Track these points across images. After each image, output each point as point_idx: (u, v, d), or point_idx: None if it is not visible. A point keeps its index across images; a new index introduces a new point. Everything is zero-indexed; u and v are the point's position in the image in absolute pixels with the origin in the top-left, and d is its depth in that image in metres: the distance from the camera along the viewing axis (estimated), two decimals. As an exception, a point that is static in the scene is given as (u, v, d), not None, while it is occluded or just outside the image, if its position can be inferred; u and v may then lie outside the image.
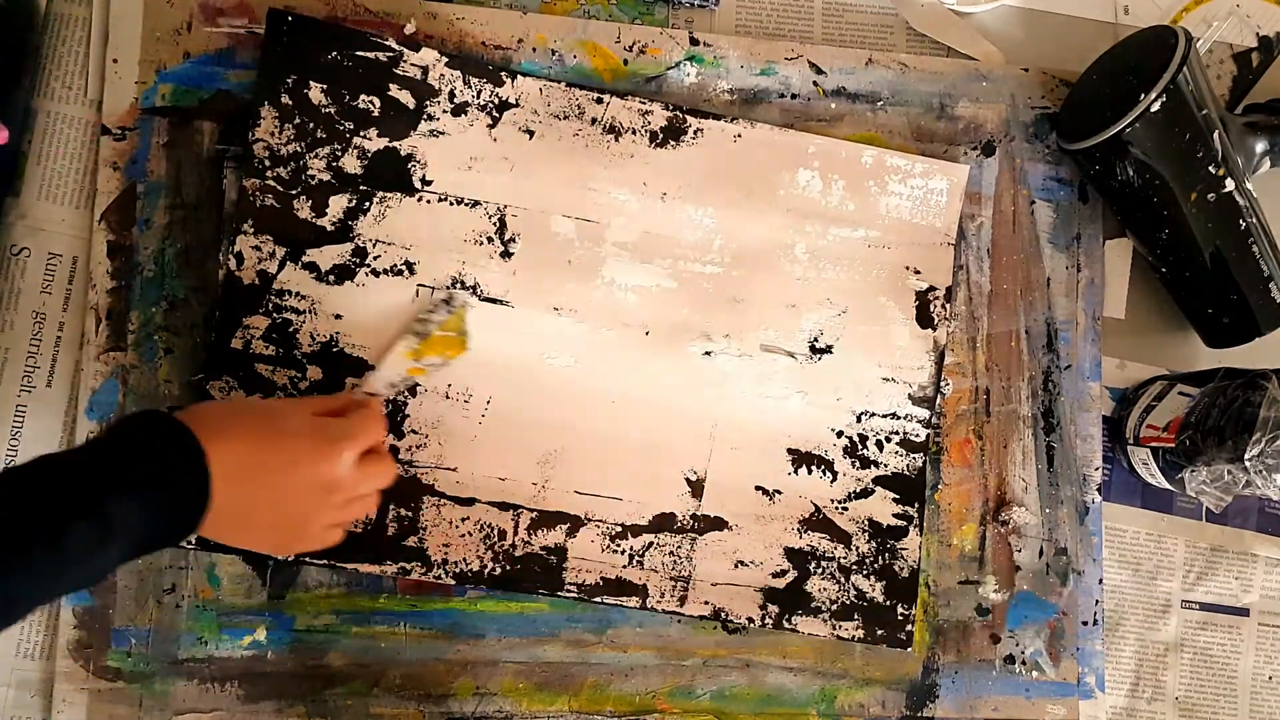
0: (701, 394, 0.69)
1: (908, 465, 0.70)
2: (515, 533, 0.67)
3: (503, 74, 0.69)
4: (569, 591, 0.67)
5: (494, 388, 0.67)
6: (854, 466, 0.70)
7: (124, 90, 0.67)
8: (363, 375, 0.65)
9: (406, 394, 0.66)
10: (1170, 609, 0.74)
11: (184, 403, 0.66)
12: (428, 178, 0.68)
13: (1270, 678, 0.74)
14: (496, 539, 0.67)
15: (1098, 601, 0.71)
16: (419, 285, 0.67)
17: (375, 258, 0.67)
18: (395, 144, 0.68)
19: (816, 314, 0.70)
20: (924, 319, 0.71)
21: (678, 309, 0.69)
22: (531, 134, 0.69)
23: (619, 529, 0.68)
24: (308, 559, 0.65)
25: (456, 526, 0.66)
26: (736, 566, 0.68)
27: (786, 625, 0.68)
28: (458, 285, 0.67)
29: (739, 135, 0.70)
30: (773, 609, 0.68)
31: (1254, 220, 0.70)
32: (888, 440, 0.70)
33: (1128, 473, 0.73)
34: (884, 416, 0.71)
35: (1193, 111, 0.66)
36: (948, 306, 0.72)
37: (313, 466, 0.54)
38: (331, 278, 0.66)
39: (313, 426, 0.56)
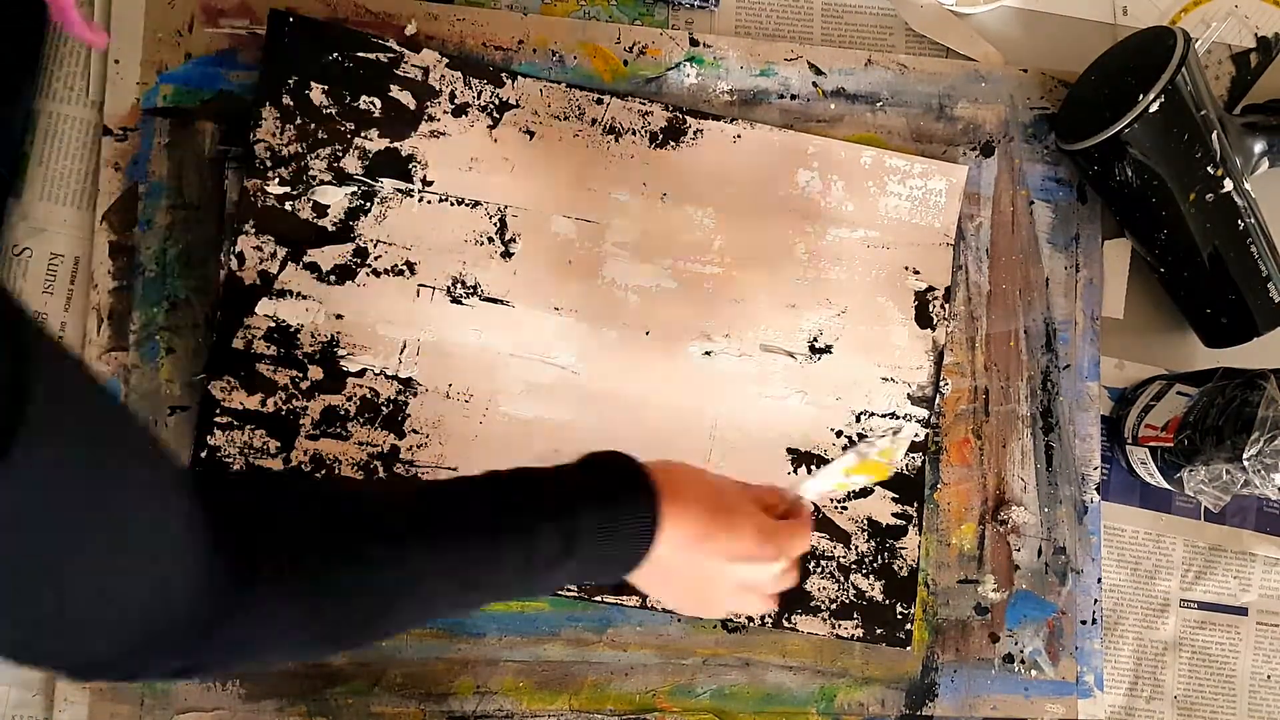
0: (701, 394, 0.69)
1: (907, 465, 0.71)
2: (516, 532, 0.67)
3: (503, 75, 0.69)
4: (569, 590, 0.67)
5: (494, 387, 0.68)
6: (853, 466, 0.70)
7: (125, 91, 0.67)
8: (799, 476, 0.68)
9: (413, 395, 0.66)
10: (1169, 608, 0.74)
11: (187, 402, 0.66)
12: (428, 178, 0.68)
13: (1268, 677, 0.74)
14: (497, 538, 0.67)
15: (1096, 601, 0.72)
16: (420, 285, 0.67)
17: (376, 258, 0.67)
18: (396, 144, 0.68)
19: (816, 314, 0.71)
20: (923, 319, 0.72)
21: (678, 309, 0.70)
22: (532, 135, 0.69)
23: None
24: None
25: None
26: (736, 566, 0.69)
27: (786, 624, 0.69)
28: (458, 285, 0.68)
29: (739, 136, 0.71)
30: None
31: (1252, 220, 0.70)
32: (887, 440, 0.71)
33: (1126, 472, 0.73)
34: (883, 416, 0.71)
35: (1191, 112, 0.66)
36: (947, 306, 0.72)
37: (750, 566, 0.55)
38: (332, 278, 0.67)
39: (759, 527, 0.55)
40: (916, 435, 0.70)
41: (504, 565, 0.49)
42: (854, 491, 0.70)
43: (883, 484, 0.70)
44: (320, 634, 0.47)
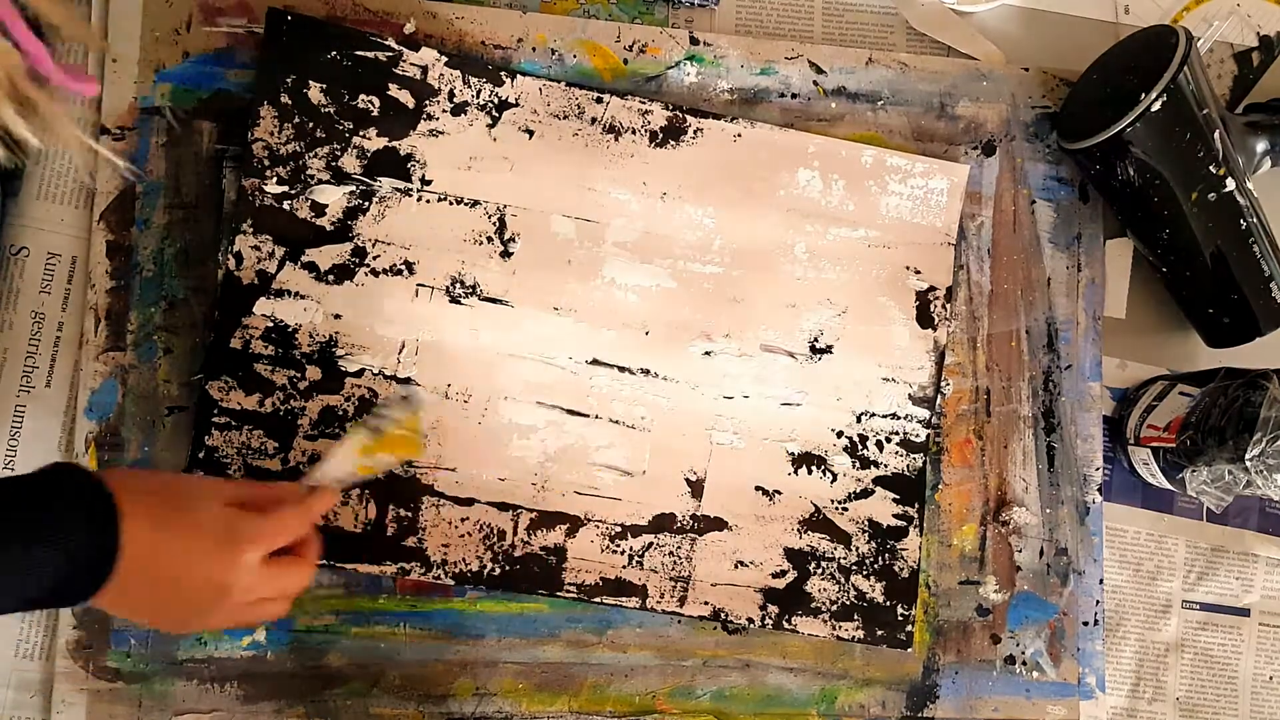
0: (701, 394, 0.69)
1: (908, 465, 0.70)
2: (515, 533, 0.67)
3: (502, 73, 0.69)
4: (568, 592, 0.67)
5: (493, 388, 0.67)
6: (854, 467, 0.70)
7: (123, 90, 0.67)
8: (311, 465, 0.61)
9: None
10: (1171, 609, 0.74)
11: (184, 402, 0.66)
12: (427, 177, 0.68)
13: (1271, 678, 0.74)
14: (496, 539, 0.67)
15: (1098, 602, 0.71)
16: (419, 285, 0.67)
17: (375, 257, 0.67)
18: (395, 143, 0.67)
19: (816, 314, 0.70)
20: (924, 319, 0.71)
21: (678, 309, 0.69)
22: (531, 134, 0.69)
23: (618, 529, 0.68)
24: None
25: (456, 527, 0.66)
26: (736, 567, 0.68)
27: (786, 626, 0.68)
28: (457, 285, 0.67)
29: (739, 135, 0.70)
30: (772, 609, 0.68)
31: (1255, 220, 0.69)
32: (888, 440, 0.70)
33: (1128, 473, 0.73)
34: (884, 417, 0.70)
35: (1193, 111, 0.66)
36: (948, 306, 0.72)
37: (207, 565, 0.51)
38: (331, 277, 0.66)
39: (220, 522, 0.52)
40: (421, 402, 0.62)
41: None
42: (853, 493, 0.69)
43: (884, 485, 0.70)
44: None
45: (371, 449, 0.55)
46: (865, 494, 0.70)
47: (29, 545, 0.46)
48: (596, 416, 0.68)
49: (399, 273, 0.67)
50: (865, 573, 0.69)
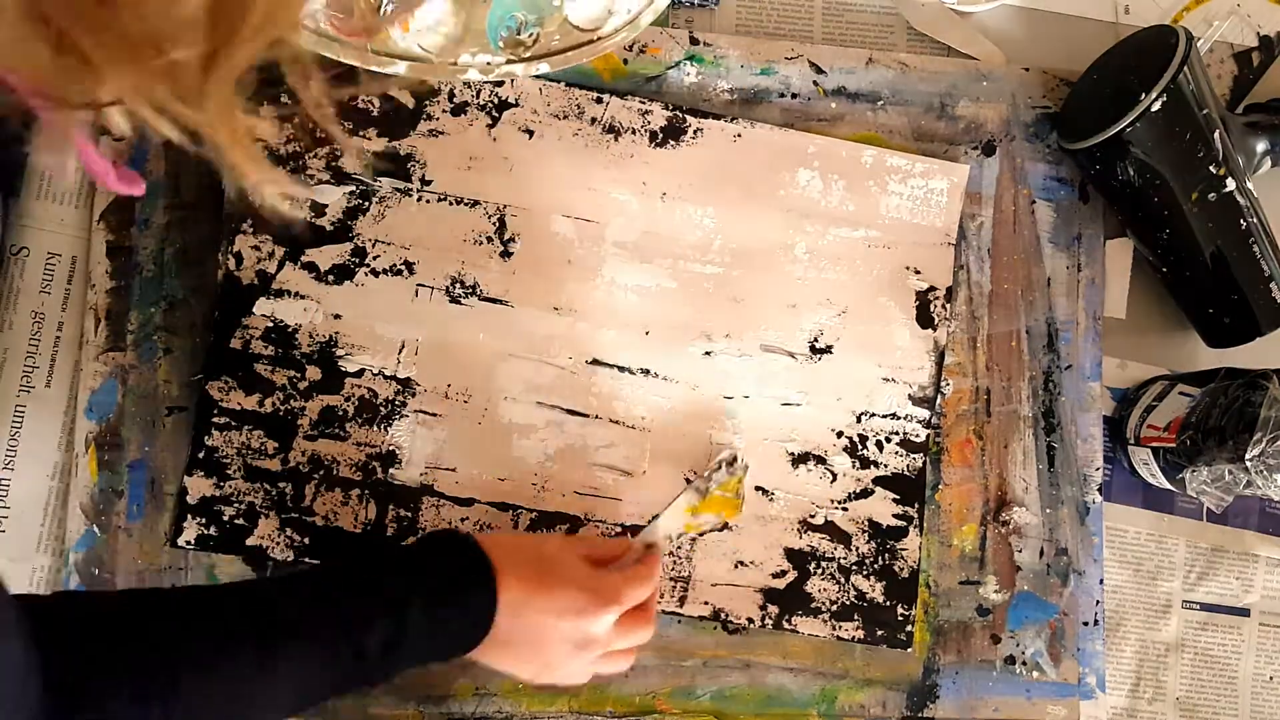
0: (701, 394, 0.69)
1: (908, 465, 0.70)
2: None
3: (502, 74, 0.69)
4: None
5: (493, 388, 0.67)
6: (854, 467, 0.70)
7: (123, 90, 0.67)
8: (647, 524, 0.66)
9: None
10: (1171, 609, 0.74)
11: (184, 402, 0.66)
12: (427, 177, 0.68)
13: (1271, 678, 0.74)
14: (496, 539, 0.66)
15: (1098, 602, 0.71)
16: (419, 285, 0.67)
17: (375, 258, 0.67)
18: (395, 143, 0.67)
19: (816, 314, 0.70)
20: (924, 319, 0.71)
21: (678, 309, 0.69)
22: (531, 134, 0.69)
23: (619, 529, 0.68)
24: (306, 559, 0.65)
25: (456, 527, 0.66)
26: (736, 567, 0.68)
27: (786, 626, 0.68)
28: (457, 285, 0.67)
29: (739, 135, 0.70)
30: (773, 609, 0.68)
31: (1255, 220, 0.69)
32: (888, 440, 0.70)
33: (1128, 473, 0.73)
34: (884, 417, 0.70)
35: (1193, 111, 0.66)
36: (948, 306, 0.72)
37: (576, 621, 0.56)
38: (331, 278, 0.66)
39: (586, 579, 0.57)
40: (745, 464, 0.67)
41: (335, 666, 0.50)
42: (853, 493, 0.69)
43: (884, 485, 0.70)
44: None
45: (698, 509, 0.62)
46: (865, 494, 0.70)
47: (434, 608, 0.52)
48: (596, 416, 0.68)
49: (399, 273, 0.67)
50: (865, 573, 0.69)
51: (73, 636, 0.45)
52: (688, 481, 0.68)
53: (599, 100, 0.69)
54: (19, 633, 0.41)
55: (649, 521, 0.66)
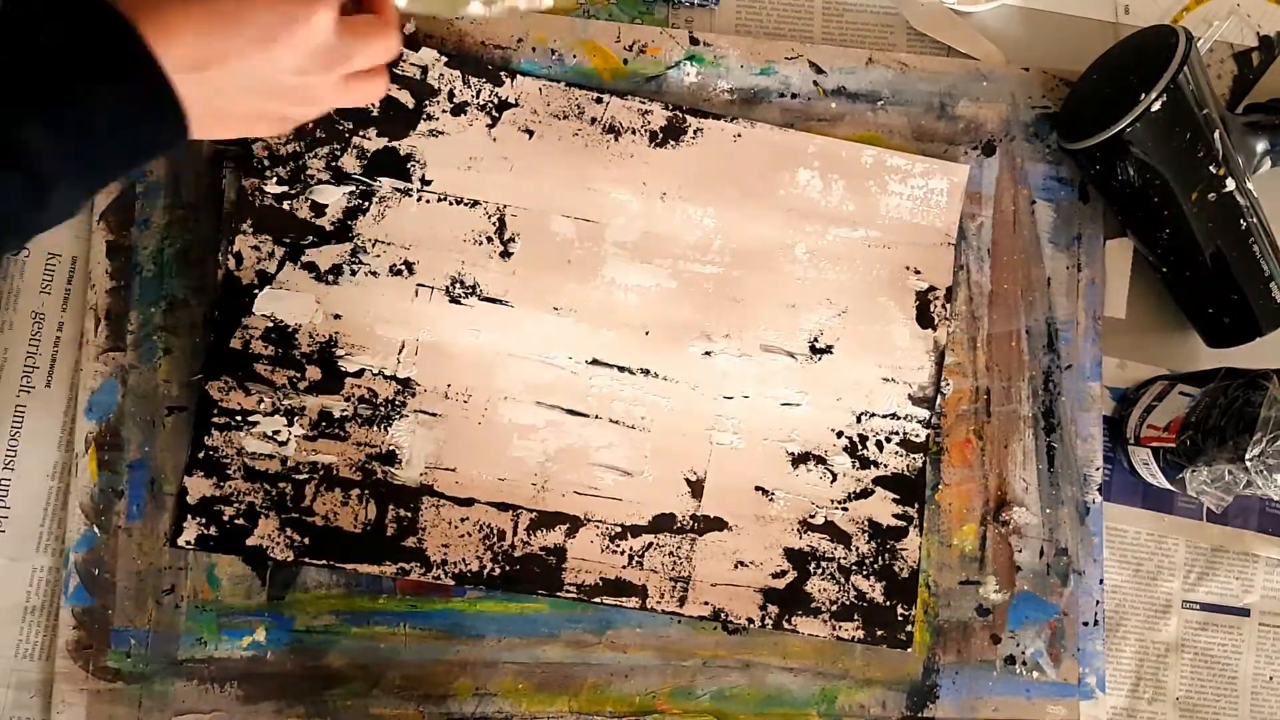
0: (701, 394, 0.69)
1: (908, 465, 0.70)
2: (514, 533, 0.67)
3: (502, 74, 0.69)
4: (568, 592, 0.67)
5: (493, 388, 0.67)
6: (854, 466, 0.70)
7: (123, 90, 0.67)
8: None
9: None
10: (1171, 609, 0.74)
11: (184, 402, 0.66)
12: (427, 177, 0.68)
13: (1271, 678, 0.74)
14: (496, 539, 0.67)
15: (1098, 602, 0.71)
16: (418, 285, 0.67)
17: (375, 257, 0.67)
18: (394, 144, 0.67)
19: (816, 314, 0.70)
20: (924, 319, 0.71)
21: (678, 309, 0.69)
22: (531, 134, 0.69)
23: (618, 529, 0.68)
24: (306, 559, 0.65)
25: (455, 527, 0.66)
26: (736, 567, 0.68)
27: (786, 626, 0.68)
28: (457, 285, 0.67)
29: (739, 135, 0.70)
30: (772, 609, 0.68)
31: (1255, 220, 0.69)
32: (888, 440, 0.70)
33: (1128, 473, 0.73)
34: (884, 417, 0.70)
35: (1193, 111, 0.66)
36: (948, 306, 0.72)
37: (285, 35, 0.43)
38: (331, 277, 0.66)
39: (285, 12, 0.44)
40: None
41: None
42: (853, 493, 0.69)
43: (884, 485, 0.70)
44: None
45: None
46: (865, 494, 0.70)
47: (37, 123, 0.38)
48: (596, 416, 0.68)
49: (399, 273, 0.67)
50: (865, 573, 0.69)
51: None
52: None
53: (599, 100, 0.69)
54: None
55: None
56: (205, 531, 0.65)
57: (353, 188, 0.67)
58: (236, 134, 0.49)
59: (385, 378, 0.66)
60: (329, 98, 0.49)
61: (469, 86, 0.68)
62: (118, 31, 0.39)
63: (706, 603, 0.68)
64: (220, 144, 0.67)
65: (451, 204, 0.68)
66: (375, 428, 0.66)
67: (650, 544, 0.68)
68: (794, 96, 0.72)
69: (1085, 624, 0.71)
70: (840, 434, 0.70)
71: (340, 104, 0.51)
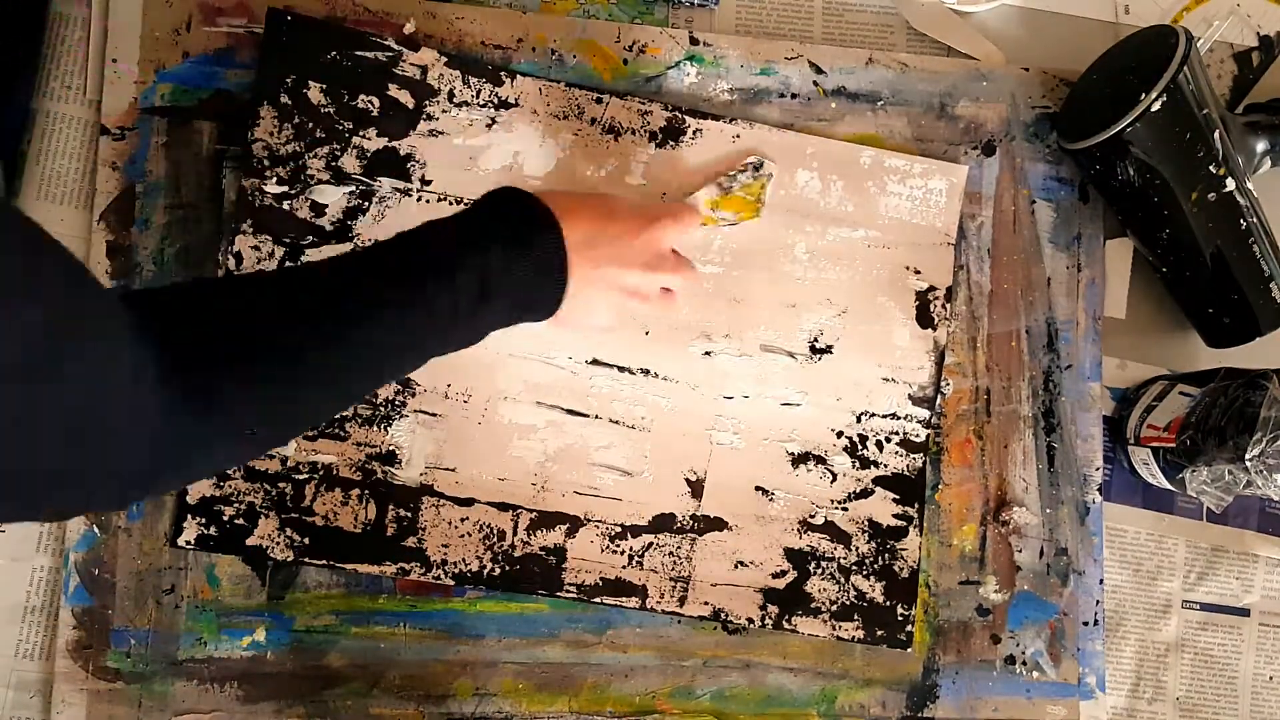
0: (701, 394, 0.69)
1: (908, 465, 0.70)
2: (514, 533, 0.67)
3: (502, 74, 0.69)
4: (568, 592, 0.67)
5: (493, 388, 0.67)
6: (854, 467, 0.70)
7: (123, 90, 0.67)
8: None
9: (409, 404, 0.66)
10: (1171, 609, 0.74)
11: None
12: (427, 177, 0.68)
13: (1270, 678, 0.74)
14: (496, 539, 0.67)
15: (1098, 602, 0.71)
16: (418, 285, 0.67)
17: (375, 258, 0.67)
18: (394, 143, 0.67)
19: (816, 314, 0.70)
20: (924, 319, 0.71)
21: (677, 309, 0.69)
22: (531, 134, 0.69)
23: (618, 529, 0.68)
24: (306, 559, 0.65)
25: (456, 527, 0.66)
26: (736, 567, 0.68)
27: (786, 626, 0.68)
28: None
29: (738, 135, 0.70)
30: (772, 609, 0.68)
31: (1254, 220, 0.69)
32: (888, 440, 0.70)
33: (1128, 473, 0.73)
34: (884, 417, 0.70)
35: (1193, 111, 0.66)
36: (948, 306, 0.72)
37: (641, 236, 0.59)
38: (331, 278, 0.66)
39: (640, 207, 0.61)
40: (771, 171, 0.69)
41: (436, 313, 0.50)
42: (853, 493, 0.69)
43: (884, 485, 0.70)
44: (275, 429, 0.49)
45: (718, 203, 0.66)
46: (865, 494, 0.70)
47: (511, 249, 0.53)
48: (596, 416, 0.68)
49: (399, 273, 0.67)
50: (865, 573, 0.69)
51: (181, 323, 0.44)
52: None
53: (599, 100, 0.69)
54: (126, 325, 0.40)
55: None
56: (205, 531, 0.65)
57: (353, 188, 0.67)
58: (588, 318, 0.60)
59: (385, 378, 0.66)
60: (650, 296, 0.62)
61: (469, 86, 0.68)
62: (545, 215, 0.55)
63: (706, 603, 0.68)
64: (220, 145, 0.67)
65: (451, 204, 0.68)
66: (375, 427, 0.66)
67: (650, 544, 0.68)
68: (794, 96, 0.72)
69: (1085, 624, 0.71)
70: (840, 434, 0.70)
71: (649, 306, 0.63)
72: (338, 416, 0.66)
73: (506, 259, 0.53)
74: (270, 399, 0.46)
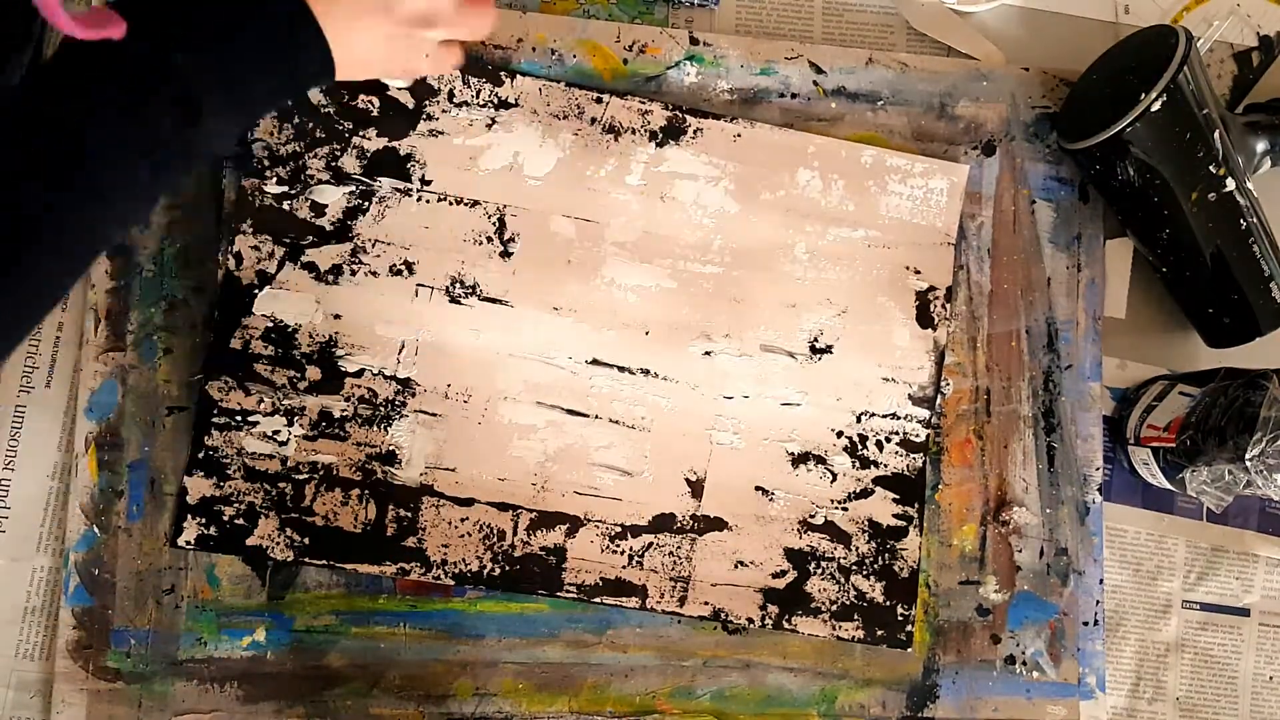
0: (701, 394, 0.69)
1: (908, 465, 0.70)
2: (514, 533, 0.67)
3: (502, 74, 0.69)
4: (568, 592, 0.67)
5: (493, 388, 0.67)
6: (854, 467, 0.70)
7: (123, 90, 0.67)
8: None
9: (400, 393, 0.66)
10: (1171, 609, 0.74)
11: (184, 402, 0.66)
12: (427, 177, 0.68)
13: (1271, 678, 0.74)
14: (496, 539, 0.67)
15: (1098, 602, 0.71)
16: (418, 285, 0.67)
17: (375, 257, 0.67)
18: (394, 143, 0.67)
19: (816, 314, 0.70)
20: (924, 319, 0.71)
21: (678, 309, 0.69)
22: (531, 134, 0.69)
23: (618, 529, 0.68)
24: (306, 559, 0.65)
25: (456, 527, 0.66)
26: (736, 567, 0.68)
27: (786, 626, 0.68)
28: (457, 285, 0.67)
29: (739, 135, 0.70)
30: (772, 609, 0.68)
31: (1255, 220, 0.69)
32: (888, 440, 0.70)
33: (1128, 473, 0.73)
34: (884, 417, 0.70)
35: (1193, 111, 0.66)
36: (948, 306, 0.72)
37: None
38: (331, 277, 0.66)
39: None
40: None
41: (160, 126, 0.43)
42: (853, 493, 0.69)
43: (884, 485, 0.70)
44: None
45: None
46: (865, 494, 0.70)
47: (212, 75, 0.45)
48: (596, 416, 0.68)
49: (399, 273, 0.67)
50: (865, 573, 0.69)
51: None
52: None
53: (599, 100, 0.69)
54: None
55: None
56: (205, 531, 0.65)
57: (353, 188, 0.67)
58: (368, 73, 0.53)
59: (385, 378, 0.66)
60: (424, 54, 0.55)
61: (469, 86, 0.68)
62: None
63: (706, 603, 0.68)
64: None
65: (451, 204, 0.68)
66: (375, 428, 0.66)
67: (650, 544, 0.68)
68: (794, 96, 0.72)
69: (1085, 624, 0.71)
70: (840, 434, 0.70)
71: (423, 68, 0.57)
72: (338, 416, 0.66)
73: (210, 52, 0.44)
74: None
